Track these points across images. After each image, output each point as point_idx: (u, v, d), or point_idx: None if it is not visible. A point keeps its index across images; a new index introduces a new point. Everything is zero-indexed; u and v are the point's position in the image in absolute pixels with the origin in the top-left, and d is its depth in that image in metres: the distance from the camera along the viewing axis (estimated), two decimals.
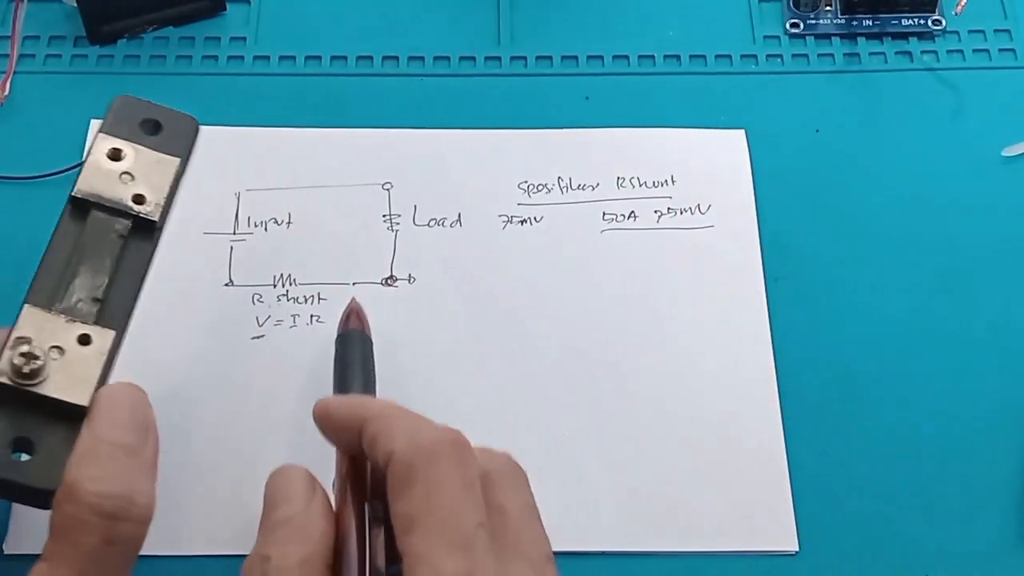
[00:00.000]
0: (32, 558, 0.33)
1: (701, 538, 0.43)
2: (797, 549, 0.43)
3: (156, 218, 0.39)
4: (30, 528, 0.42)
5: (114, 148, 0.40)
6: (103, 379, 0.36)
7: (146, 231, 0.39)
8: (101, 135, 0.40)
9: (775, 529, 0.43)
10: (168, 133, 0.41)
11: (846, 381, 0.46)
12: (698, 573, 0.42)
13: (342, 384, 0.42)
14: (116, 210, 0.39)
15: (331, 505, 0.34)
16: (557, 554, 0.36)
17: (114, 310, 0.37)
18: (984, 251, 0.50)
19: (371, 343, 0.43)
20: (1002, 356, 0.47)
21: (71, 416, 0.35)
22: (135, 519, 0.33)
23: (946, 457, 0.45)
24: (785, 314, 0.48)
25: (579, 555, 0.42)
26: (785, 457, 0.44)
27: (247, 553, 0.36)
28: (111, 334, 0.36)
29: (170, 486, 0.43)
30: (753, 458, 0.44)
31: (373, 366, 0.43)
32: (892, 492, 0.44)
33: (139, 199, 0.39)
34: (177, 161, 0.40)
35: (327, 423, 0.36)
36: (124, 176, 0.40)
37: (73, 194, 0.39)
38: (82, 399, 0.35)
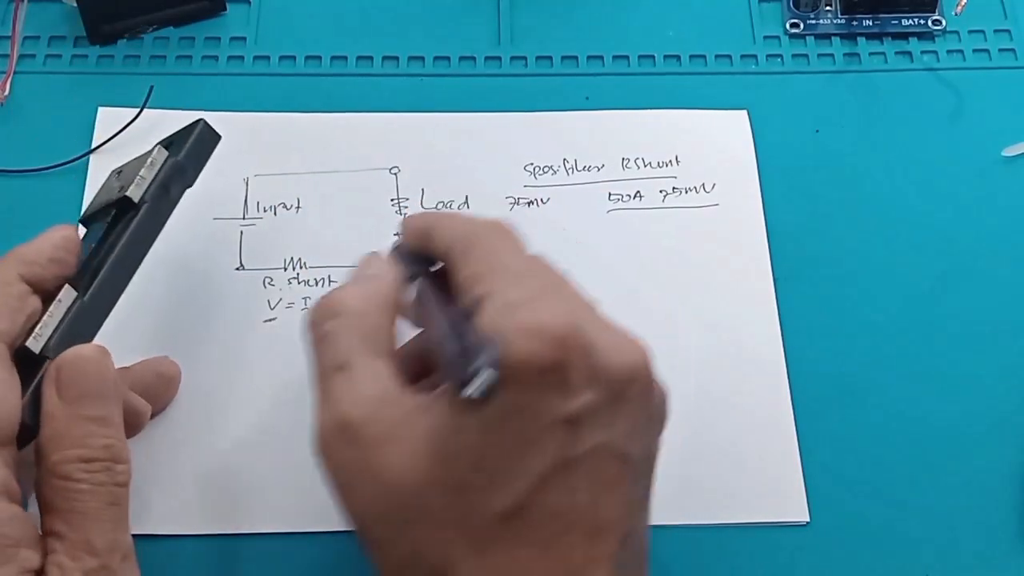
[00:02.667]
0: None
1: (713, 510, 0.43)
2: (808, 520, 0.43)
3: (132, 195, 0.41)
4: None
5: (116, 169, 0.43)
6: (67, 332, 0.38)
7: (129, 210, 0.41)
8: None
9: (786, 500, 0.44)
10: (179, 145, 0.43)
11: (853, 358, 0.47)
12: (710, 545, 0.43)
13: None
14: (108, 205, 0.42)
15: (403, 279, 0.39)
16: None
17: (85, 276, 0.39)
18: (984, 251, 0.50)
19: None
20: (1002, 354, 0.47)
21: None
22: (120, 482, 0.36)
23: (948, 445, 0.45)
24: (791, 291, 0.48)
25: None
26: (794, 428, 0.45)
27: (273, 531, 0.42)
28: (73, 292, 0.39)
29: (184, 468, 0.44)
30: (763, 430, 0.45)
31: None
32: (899, 466, 0.45)
33: (123, 188, 0.41)
34: (165, 153, 0.42)
35: (407, 236, 0.40)
36: (116, 176, 0.42)
37: (80, 219, 0.42)
38: (34, 346, 0.37)
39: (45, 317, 0.38)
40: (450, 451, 0.33)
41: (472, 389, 0.32)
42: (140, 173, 0.41)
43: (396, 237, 0.41)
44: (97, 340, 0.39)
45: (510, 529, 0.33)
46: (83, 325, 0.38)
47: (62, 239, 0.40)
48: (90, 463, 0.35)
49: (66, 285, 0.39)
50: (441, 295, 0.37)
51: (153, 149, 0.42)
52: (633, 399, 0.34)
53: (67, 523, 0.35)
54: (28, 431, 0.36)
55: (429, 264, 0.39)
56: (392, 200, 0.50)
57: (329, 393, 0.35)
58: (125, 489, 0.36)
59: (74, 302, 0.38)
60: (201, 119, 0.44)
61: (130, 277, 0.40)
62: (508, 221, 0.38)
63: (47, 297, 0.39)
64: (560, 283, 0.36)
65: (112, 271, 0.40)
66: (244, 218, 0.50)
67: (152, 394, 0.44)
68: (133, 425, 0.41)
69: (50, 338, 0.37)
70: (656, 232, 0.50)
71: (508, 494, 0.33)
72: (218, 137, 0.44)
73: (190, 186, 0.43)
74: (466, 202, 0.50)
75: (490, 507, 0.33)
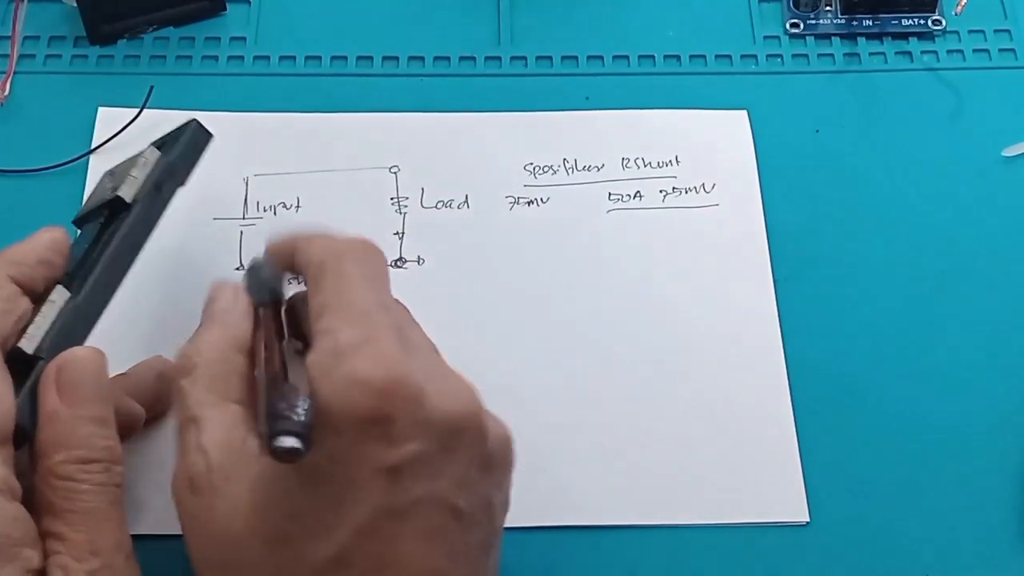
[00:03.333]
0: None
1: (713, 510, 0.43)
2: (808, 520, 0.43)
3: (124, 195, 0.41)
4: None
5: (108, 170, 0.43)
6: (60, 333, 0.38)
7: (121, 210, 0.41)
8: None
9: (786, 500, 0.44)
10: (171, 145, 0.43)
11: (853, 357, 0.47)
12: (710, 545, 0.43)
13: None
14: (101, 206, 0.42)
15: (251, 310, 0.39)
16: (569, 528, 0.41)
17: (77, 277, 0.39)
18: (984, 251, 0.50)
19: None
20: (1002, 354, 0.47)
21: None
22: (118, 482, 0.36)
23: (948, 445, 0.45)
24: (791, 291, 0.48)
25: (590, 529, 0.43)
26: (794, 429, 0.45)
27: None
28: (65, 293, 0.39)
29: None
30: (763, 430, 0.45)
31: None
32: (899, 465, 0.45)
33: (115, 188, 0.41)
34: (157, 153, 0.42)
35: (271, 254, 0.40)
36: (109, 177, 0.43)
37: (73, 220, 0.42)
38: (27, 347, 0.37)
39: (37, 318, 0.38)
40: (269, 501, 0.33)
41: (278, 450, 0.31)
42: (132, 173, 0.41)
43: (252, 258, 0.41)
44: (97, 340, 0.39)
45: None
46: (76, 325, 0.38)
47: (51, 240, 0.40)
48: (90, 464, 0.35)
49: (58, 285, 0.39)
50: (288, 324, 0.39)
51: (145, 149, 0.42)
52: (463, 448, 0.34)
53: (69, 524, 0.35)
54: (22, 432, 0.36)
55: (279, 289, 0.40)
56: (392, 199, 0.50)
57: (181, 446, 0.36)
58: (121, 489, 0.36)
59: (67, 303, 0.38)
60: (193, 119, 0.44)
61: (123, 277, 0.40)
62: (372, 243, 0.37)
63: (36, 299, 0.39)
64: (401, 323, 0.35)
65: (105, 271, 0.39)
66: (244, 218, 0.50)
67: (154, 396, 0.44)
68: (128, 429, 0.41)
69: (43, 339, 0.37)
70: (656, 232, 0.50)
71: (328, 545, 0.33)
72: (210, 136, 0.44)
73: (182, 185, 0.43)
74: (466, 201, 0.50)
75: (309, 558, 0.33)
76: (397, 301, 0.37)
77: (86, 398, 0.36)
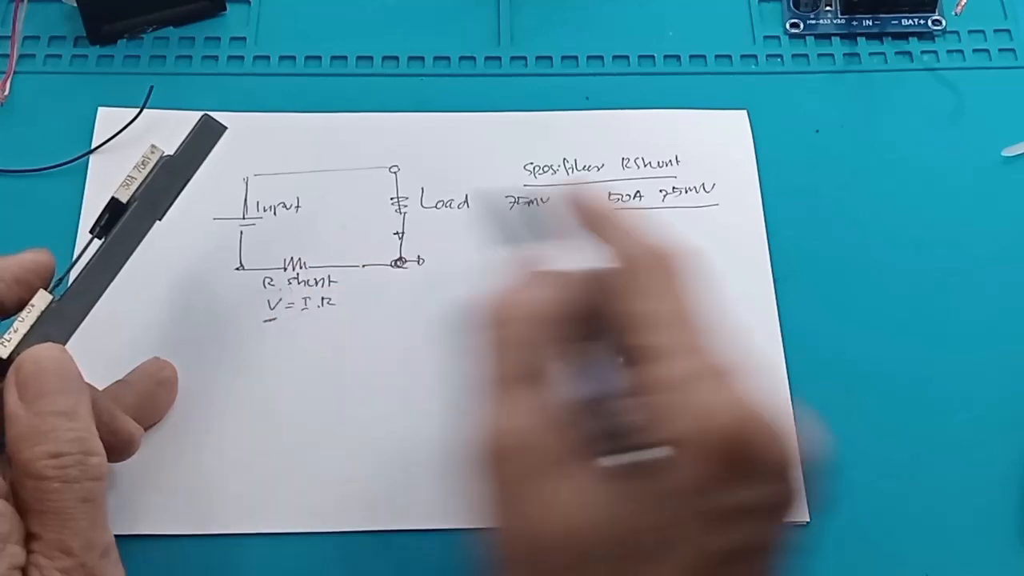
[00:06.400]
0: None
1: None
2: (807, 520, 0.43)
3: (119, 196, 0.40)
4: None
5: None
6: (39, 336, 0.37)
7: (120, 211, 0.40)
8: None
9: None
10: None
11: (853, 357, 0.47)
12: None
13: None
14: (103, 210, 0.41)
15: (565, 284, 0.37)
16: None
17: (63, 281, 0.39)
18: (984, 251, 0.50)
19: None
20: (1002, 354, 0.47)
21: None
22: (94, 476, 0.35)
23: (948, 445, 0.45)
24: (791, 291, 0.48)
25: None
26: (794, 427, 0.45)
27: (272, 532, 0.42)
28: (47, 298, 0.38)
29: (182, 468, 0.44)
30: None
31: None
32: (899, 465, 0.45)
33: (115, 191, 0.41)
34: (159, 152, 0.41)
35: (575, 206, 0.38)
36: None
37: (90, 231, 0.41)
38: (2, 352, 0.37)
39: (16, 323, 0.37)
40: (603, 516, 0.32)
41: (641, 458, 0.31)
42: (129, 173, 0.41)
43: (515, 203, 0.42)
44: (96, 340, 0.39)
45: None
46: (54, 328, 0.38)
47: (32, 261, 0.39)
48: (60, 457, 0.35)
49: (40, 290, 0.38)
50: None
51: (146, 149, 0.42)
52: (790, 500, 0.33)
53: (42, 524, 0.34)
54: None
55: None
56: (392, 199, 0.50)
57: (502, 404, 0.35)
58: (100, 483, 0.35)
59: (48, 306, 0.38)
60: (205, 113, 0.43)
61: (112, 278, 0.40)
62: (679, 253, 0.36)
63: (9, 316, 0.38)
64: (726, 359, 0.34)
65: (88, 275, 0.39)
66: (244, 218, 0.50)
67: (155, 403, 0.44)
68: (126, 449, 0.41)
69: (20, 343, 0.37)
70: (656, 232, 0.49)
71: (649, 569, 0.32)
72: (223, 128, 0.43)
73: (190, 179, 0.42)
74: (466, 201, 0.50)
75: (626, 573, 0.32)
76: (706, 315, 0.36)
77: (45, 392, 0.35)
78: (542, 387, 0.35)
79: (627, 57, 0.55)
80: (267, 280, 0.48)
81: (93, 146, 0.51)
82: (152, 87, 0.52)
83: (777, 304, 0.48)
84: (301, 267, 0.48)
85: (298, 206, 0.50)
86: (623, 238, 0.37)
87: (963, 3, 0.54)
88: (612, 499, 0.32)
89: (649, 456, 0.31)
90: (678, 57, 0.55)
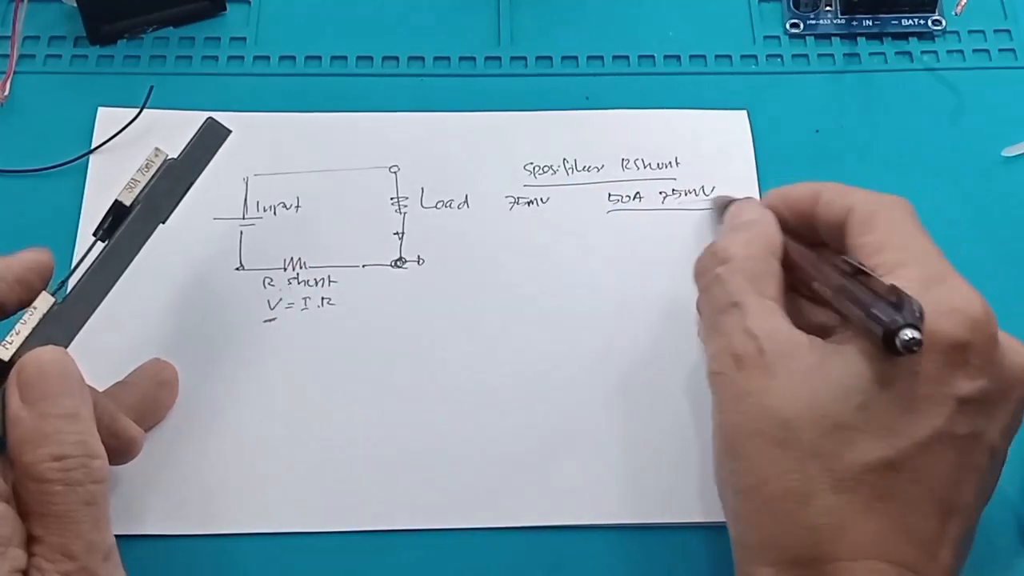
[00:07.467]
0: None
1: (713, 510, 0.43)
2: None
3: (123, 199, 0.40)
4: None
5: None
6: (40, 338, 0.37)
7: (123, 214, 0.40)
8: None
9: None
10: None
11: None
12: (710, 544, 0.43)
13: None
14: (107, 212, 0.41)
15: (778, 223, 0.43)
16: (565, 528, 0.42)
17: (66, 283, 0.40)
18: (984, 251, 0.50)
19: None
20: None
21: None
22: (97, 479, 0.35)
23: None
24: None
25: (591, 528, 0.43)
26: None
27: (272, 531, 0.42)
28: (49, 300, 0.38)
29: (183, 467, 0.44)
30: None
31: None
32: None
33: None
34: (163, 155, 0.41)
35: (781, 199, 0.44)
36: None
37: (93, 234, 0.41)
38: (4, 354, 0.37)
39: (18, 325, 0.37)
40: (842, 391, 0.36)
41: (899, 340, 0.34)
42: (133, 176, 0.41)
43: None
44: (96, 341, 0.39)
45: (873, 482, 0.35)
46: (56, 331, 0.38)
47: (33, 260, 0.39)
48: (64, 460, 0.35)
49: (43, 292, 0.38)
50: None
51: (150, 152, 0.42)
52: (1017, 397, 0.37)
53: (44, 527, 0.34)
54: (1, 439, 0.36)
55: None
56: (392, 199, 0.50)
57: (721, 327, 0.39)
58: (102, 486, 0.35)
59: (50, 309, 0.38)
60: (209, 116, 0.43)
61: (115, 280, 0.40)
62: (906, 200, 0.41)
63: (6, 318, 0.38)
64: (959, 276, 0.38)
65: (91, 277, 0.39)
66: (244, 218, 0.50)
67: (156, 404, 0.44)
68: (127, 451, 0.41)
69: (22, 346, 0.37)
70: (655, 234, 0.50)
71: (885, 447, 0.35)
72: (227, 131, 0.43)
73: (193, 182, 0.42)
74: (466, 201, 0.50)
75: (863, 453, 0.35)
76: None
77: (48, 395, 0.35)
78: (772, 301, 0.39)
79: (627, 57, 0.55)
80: (267, 280, 0.48)
81: (93, 146, 0.51)
82: (152, 87, 0.52)
83: None
84: (301, 267, 0.48)
85: (298, 206, 0.50)
86: (833, 198, 0.41)
87: (963, 3, 0.54)
88: (856, 377, 0.36)
89: (906, 335, 0.34)
90: (678, 57, 0.55)
